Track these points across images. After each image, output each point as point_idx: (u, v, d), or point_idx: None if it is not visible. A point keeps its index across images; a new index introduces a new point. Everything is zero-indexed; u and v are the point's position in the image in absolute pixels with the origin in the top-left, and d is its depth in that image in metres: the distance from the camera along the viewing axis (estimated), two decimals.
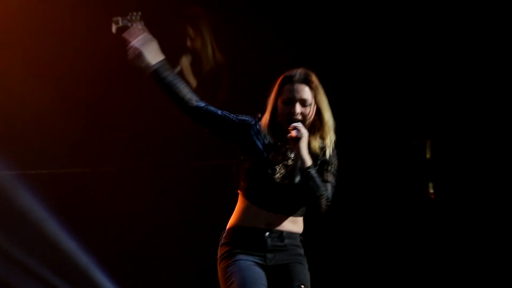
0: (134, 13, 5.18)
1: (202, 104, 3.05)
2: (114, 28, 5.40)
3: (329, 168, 3.08)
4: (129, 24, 5.17)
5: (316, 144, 3.04)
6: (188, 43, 5.73)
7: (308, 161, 2.95)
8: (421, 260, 5.56)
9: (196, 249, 5.97)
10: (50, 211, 6.25)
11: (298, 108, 2.97)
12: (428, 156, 5.29)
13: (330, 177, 3.07)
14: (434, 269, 5.53)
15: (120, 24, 5.39)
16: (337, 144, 3.23)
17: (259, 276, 3.15)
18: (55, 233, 6.30)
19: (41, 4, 6.16)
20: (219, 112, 3.07)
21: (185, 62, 5.36)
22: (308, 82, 3.01)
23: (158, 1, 6.01)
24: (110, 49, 5.78)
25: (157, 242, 6.13)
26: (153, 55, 3.03)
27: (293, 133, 2.88)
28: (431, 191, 5.15)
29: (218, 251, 3.19)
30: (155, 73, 3.02)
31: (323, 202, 2.98)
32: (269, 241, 3.13)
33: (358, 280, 5.77)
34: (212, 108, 3.06)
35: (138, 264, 6.30)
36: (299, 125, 2.93)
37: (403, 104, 5.62)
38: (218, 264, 3.19)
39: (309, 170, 2.94)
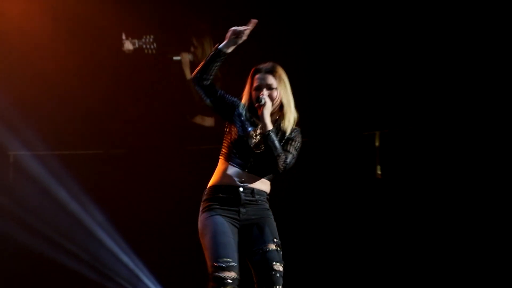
0: (148, 36, 5.62)
1: (213, 84, 3.60)
2: (130, 47, 5.60)
3: (292, 142, 3.66)
4: (144, 46, 5.50)
5: (290, 117, 3.65)
6: (192, 49, 6.16)
7: (269, 126, 3.53)
8: (369, 238, 6.07)
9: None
10: (74, 187, 6.68)
11: (265, 92, 3.56)
12: (377, 144, 5.87)
13: (292, 149, 3.65)
14: (382, 248, 6.04)
15: (136, 45, 5.62)
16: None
17: (230, 230, 3.63)
18: (77, 207, 6.73)
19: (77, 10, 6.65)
20: (221, 91, 3.64)
21: (185, 57, 5.59)
22: (272, 72, 3.61)
23: (174, 17, 6.55)
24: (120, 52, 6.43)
25: (169, 216, 6.46)
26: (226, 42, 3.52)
27: (259, 99, 3.51)
28: (379, 172, 5.78)
29: (200, 206, 3.68)
30: (217, 50, 3.49)
31: (280, 162, 3.55)
32: (242, 195, 3.64)
33: (313, 260, 6.23)
34: (217, 89, 3.62)
35: (149, 231, 6.59)
36: (264, 96, 3.53)
37: (355, 100, 6.16)
38: (199, 216, 3.69)
39: (268, 132, 3.51)
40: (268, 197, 3.73)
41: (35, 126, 6.63)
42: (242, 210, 3.65)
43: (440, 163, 5.82)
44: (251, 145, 3.64)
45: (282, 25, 6.32)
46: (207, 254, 3.61)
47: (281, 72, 3.67)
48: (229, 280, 3.50)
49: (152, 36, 5.74)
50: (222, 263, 3.51)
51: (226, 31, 3.52)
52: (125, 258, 6.61)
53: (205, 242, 3.63)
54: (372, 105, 6.05)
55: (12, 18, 6.59)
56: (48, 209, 6.67)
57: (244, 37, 3.50)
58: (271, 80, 3.61)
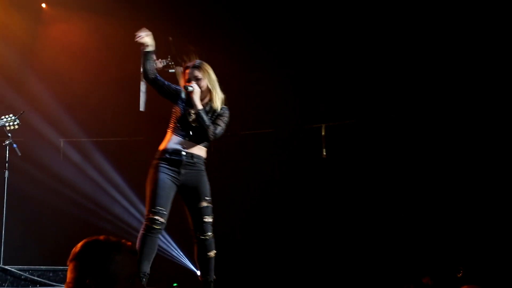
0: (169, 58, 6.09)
1: (158, 77, 4.31)
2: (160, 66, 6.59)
3: (220, 117, 4.38)
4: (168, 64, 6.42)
5: (216, 99, 4.35)
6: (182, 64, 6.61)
7: (198, 106, 4.27)
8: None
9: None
10: (116, 170, 7.45)
11: (194, 82, 4.32)
12: (323, 134, 6.96)
13: (220, 123, 4.35)
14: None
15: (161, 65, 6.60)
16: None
17: (170, 186, 4.23)
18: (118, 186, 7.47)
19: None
20: (166, 82, 4.35)
21: (178, 70, 6.27)
22: (199, 67, 4.35)
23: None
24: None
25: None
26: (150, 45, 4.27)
27: (185, 88, 4.25)
28: (324, 153, 6.93)
29: (151, 163, 4.28)
30: (143, 52, 4.27)
31: (210, 132, 4.26)
32: (184, 158, 4.29)
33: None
34: (162, 79, 4.33)
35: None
36: (191, 85, 4.27)
37: (304, 96, 7.04)
38: (149, 171, 4.28)
39: (198, 111, 4.25)
40: (205, 161, 4.38)
41: (80, 117, 7.56)
42: (182, 171, 4.27)
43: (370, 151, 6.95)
44: (190, 120, 4.30)
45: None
46: (147, 201, 4.24)
47: (206, 67, 4.39)
48: (158, 222, 4.16)
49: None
50: (156, 209, 4.15)
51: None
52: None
53: (148, 192, 4.25)
54: (319, 102, 7.11)
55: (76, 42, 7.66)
56: (89, 186, 7.51)
57: (141, 41, 4.27)
58: (197, 73, 4.34)
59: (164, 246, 7.11)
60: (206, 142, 4.38)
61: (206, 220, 4.29)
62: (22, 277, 4.74)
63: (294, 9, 7.11)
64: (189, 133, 4.32)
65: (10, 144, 5.53)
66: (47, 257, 6.53)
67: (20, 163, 6.13)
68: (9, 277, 4.70)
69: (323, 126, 7.09)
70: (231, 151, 7.26)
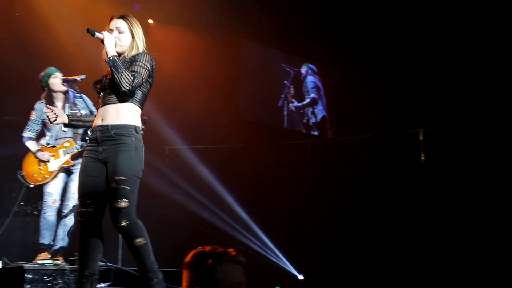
0: None
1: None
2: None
3: (137, 63, 3.74)
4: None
5: (133, 51, 3.81)
6: None
7: (110, 53, 3.69)
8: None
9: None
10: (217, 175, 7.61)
11: (115, 33, 3.84)
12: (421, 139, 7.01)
13: (137, 68, 3.70)
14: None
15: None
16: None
17: (96, 169, 3.70)
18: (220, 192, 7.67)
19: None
20: None
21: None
22: (123, 18, 3.90)
23: None
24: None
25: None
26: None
27: (94, 32, 3.75)
28: (422, 158, 6.94)
29: None
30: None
31: (124, 82, 3.61)
32: (99, 133, 3.70)
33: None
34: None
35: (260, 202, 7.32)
36: (101, 33, 3.76)
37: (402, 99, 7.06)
38: None
39: (109, 57, 3.67)
40: (134, 128, 3.70)
41: (181, 125, 7.91)
42: (100, 149, 3.71)
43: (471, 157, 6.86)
44: (105, 84, 3.80)
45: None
46: None
47: (134, 21, 3.93)
48: (85, 214, 3.70)
49: None
50: (81, 200, 3.74)
51: None
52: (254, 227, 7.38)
53: None
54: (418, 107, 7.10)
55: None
56: (195, 189, 7.74)
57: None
58: (119, 23, 3.88)
59: (262, 249, 7.23)
60: (130, 103, 3.75)
61: (115, 205, 3.59)
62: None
63: (394, 14, 7.23)
64: (105, 99, 3.78)
65: None
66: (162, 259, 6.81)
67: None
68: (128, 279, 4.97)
69: (421, 130, 7.11)
70: (329, 157, 7.42)
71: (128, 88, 3.63)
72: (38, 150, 5.72)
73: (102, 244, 3.81)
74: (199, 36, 8.24)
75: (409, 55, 7.33)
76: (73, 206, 5.68)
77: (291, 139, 8.02)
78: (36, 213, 6.76)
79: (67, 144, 5.72)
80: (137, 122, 3.78)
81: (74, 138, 5.76)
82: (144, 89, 3.84)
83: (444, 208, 7.10)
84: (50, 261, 5.39)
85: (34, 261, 5.48)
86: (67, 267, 5.21)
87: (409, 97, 7.24)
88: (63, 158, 5.72)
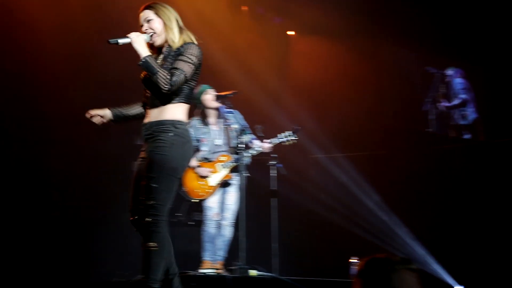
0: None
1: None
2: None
3: (179, 57, 3.48)
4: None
5: (171, 38, 3.56)
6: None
7: (142, 54, 3.44)
8: None
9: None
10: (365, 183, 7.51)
11: (145, 26, 3.59)
12: None
13: (179, 65, 3.43)
14: None
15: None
16: None
17: (137, 175, 3.56)
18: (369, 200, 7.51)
19: None
20: None
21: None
22: (150, 7, 3.61)
23: None
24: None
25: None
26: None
27: (121, 42, 3.49)
28: None
29: None
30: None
31: (161, 82, 3.38)
32: (143, 132, 3.56)
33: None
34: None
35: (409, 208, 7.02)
36: (129, 35, 3.49)
37: None
38: None
39: (141, 60, 3.43)
40: (171, 123, 3.48)
41: (326, 135, 7.97)
42: (146, 147, 3.56)
43: None
44: (142, 81, 3.60)
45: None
46: None
47: (159, 5, 3.64)
48: (131, 220, 3.54)
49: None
50: (129, 210, 3.57)
51: None
52: (398, 229, 7.18)
53: None
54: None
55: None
56: (340, 195, 7.61)
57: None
58: (148, 14, 3.61)
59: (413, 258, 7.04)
60: (175, 100, 3.52)
61: (142, 202, 3.42)
62: None
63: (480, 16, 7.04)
64: (151, 98, 3.58)
65: (274, 164, 6.07)
66: (317, 268, 6.86)
67: (289, 179, 6.46)
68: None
69: None
70: (481, 161, 7.03)
71: (167, 87, 3.41)
72: (197, 166, 5.97)
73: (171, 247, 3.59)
74: (339, 44, 8.31)
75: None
76: (231, 217, 5.89)
77: (439, 143, 7.70)
78: (192, 223, 7.00)
79: (223, 158, 5.94)
80: (179, 117, 3.52)
81: (229, 152, 5.95)
82: (191, 83, 3.59)
83: None
84: (211, 271, 5.63)
85: (197, 270, 5.73)
86: (227, 275, 5.43)
87: (502, 107, 7.05)
88: (222, 172, 5.93)
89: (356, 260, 4.86)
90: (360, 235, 7.26)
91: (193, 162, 5.97)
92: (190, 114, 3.76)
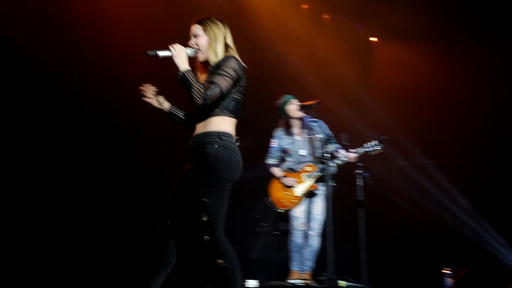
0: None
1: None
2: None
3: (217, 71, 3.53)
4: None
5: (212, 56, 3.61)
6: None
7: (180, 68, 3.49)
8: None
9: None
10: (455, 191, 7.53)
11: (192, 40, 3.67)
12: None
13: (216, 79, 3.48)
14: None
15: None
16: None
17: (179, 182, 3.58)
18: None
19: None
20: None
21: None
22: (198, 22, 3.69)
23: None
24: None
25: None
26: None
27: (161, 55, 3.53)
28: None
29: None
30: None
31: (196, 96, 3.43)
32: (190, 144, 3.61)
33: None
34: None
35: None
36: (171, 48, 3.54)
37: None
38: None
39: (179, 73, 3.48)
40: (217, 135, 3.52)
41: (413, 142, 7.92)
42: (192, 160, 3.62)
43: None
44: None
45: None
46: None
47: (209, 21, 3.69)
48: (159, 224, 3.55)
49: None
50: (161, 212, 3.62)
51: None
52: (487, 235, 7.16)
53: None
54: None
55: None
56: (428, 203, 7.68)
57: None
58: (195, 29, 3.69)
59: None
60: (221, 114, 3.55)
61: (199, 219, 3.41)
62: None
63: None
64: (198, 112, 3.63)
65: (360, 173, 6.03)
66: (407, 279, 6.79)
67: (375, 188, 6.44)
68: None
69: None
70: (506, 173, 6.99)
71: (201, 102, 3.44)
72: (283, 176, 5.99)
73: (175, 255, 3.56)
74: (425, 48, 8.15)
75: None
76: (318, 227, 5.87)
77: None
78: (278, 233, 7.04)
79: (308, 168, 5.95)
80: (225, 129, 3.54)
81: (314, 162, 5.95)
82: (236, 96, 3.59)
83: None
84: (300, 281, 5.63)
85: (286, 281, 5.74)
86: (316, 286, 5.42)
87: None
88: (308, 182, 5.93)
89: (449, 271, 4.74)
90: (450, 244, 7.16)
91: (279, 173, 6.01)
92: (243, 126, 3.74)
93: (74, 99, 6.88)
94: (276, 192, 6.03)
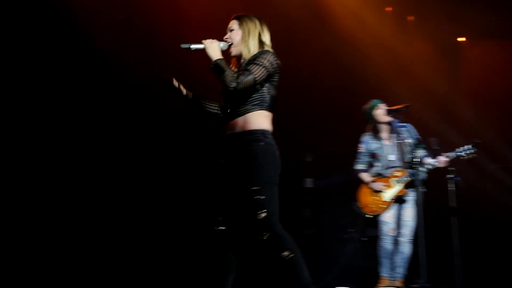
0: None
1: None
2: None
3: (254, 61, 3.55)
4: None
5: (245, 50, 3.64)
6: None
7: (213, 57, 3.51)
8: None
9: None
10: None
11: (227, 35, 3.72)
12: None
13: (252, 68, 3.49)
14: None
15: None
16: None
17: (222, 179, 3.59)
18: None
19: None
20: None
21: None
22: (237, 18, 3.73)
23: None
24: None
25: None
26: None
27: (193, 47, 3.59)
28: None
29: None
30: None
31: (227, 80, 3.42)
32: (228, 144, 3.61)
33: None
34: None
35: None
36: (204, 41, 3.58)
37: None
38: None
39: (212, 62, 3.50)
40: (261, 133, 3.54)
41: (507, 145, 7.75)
42: (229, 160, 3.62)
43: None
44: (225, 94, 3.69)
45: None
46: None
47: (245, 18, 3.73)
48: (217, 232, 3.56)
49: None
50: (215, 219, 3.62)
51: None
52: None
53: None
54: None
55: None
56: None
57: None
58: (232, 24, 3.75)
59: None
60: (258, 109, 3.55)
61: (255, 218, 3.42)
62: None
63: None
64: (232, 109, 3.62)
65: (452, 178, 5.86)
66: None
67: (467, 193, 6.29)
68: None
69: None
70: None
71: (233, 85, 3.43)
72: (372, 181, 5.93)
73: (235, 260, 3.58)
74: None
75: None
76: (409, 233, 5.76)
77: None
78: (365, 239, 6.96)
79: (398, 174, 5.85)
80: (265, 127, 3.56)
81: (403, 167, 5.85)
82: (271, 91, 3.62)
83: None
84: None
85: None
86: None
87: None
88: (396, 188, 5.84)
89: None
90: None
91: (367, 178, 5.96)
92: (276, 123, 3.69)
93: (157, 104, 6.91)
94: (364, 197, 5.99)
